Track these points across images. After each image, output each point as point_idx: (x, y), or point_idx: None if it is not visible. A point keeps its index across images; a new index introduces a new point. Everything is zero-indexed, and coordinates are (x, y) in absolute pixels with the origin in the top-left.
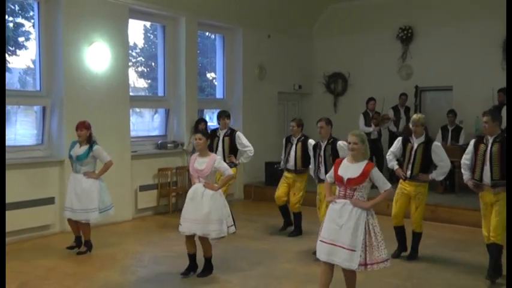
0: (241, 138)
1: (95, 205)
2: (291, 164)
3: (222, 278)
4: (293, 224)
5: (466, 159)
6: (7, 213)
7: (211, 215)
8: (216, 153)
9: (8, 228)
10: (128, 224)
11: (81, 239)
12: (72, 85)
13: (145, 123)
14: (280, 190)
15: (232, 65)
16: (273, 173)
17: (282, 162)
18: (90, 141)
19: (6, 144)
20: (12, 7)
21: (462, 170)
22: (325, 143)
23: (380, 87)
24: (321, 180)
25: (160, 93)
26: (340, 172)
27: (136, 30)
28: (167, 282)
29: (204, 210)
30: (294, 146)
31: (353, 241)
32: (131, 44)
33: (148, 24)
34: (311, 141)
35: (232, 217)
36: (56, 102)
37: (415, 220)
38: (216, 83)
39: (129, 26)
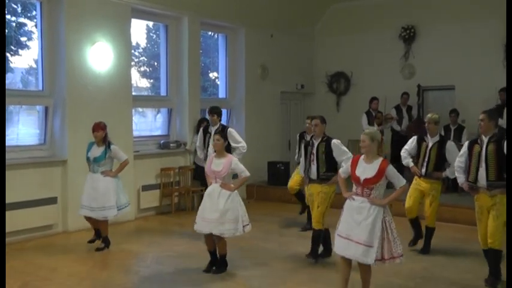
0: (234, 134)
1: (112, 202)
2: None
3: (225, 277)
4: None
5: (459, 161)
6: (9, 213)
7: (228, 214)
8: (207, 149)
9: (10, 228)
10: (131, 224)
11: (100, 232)
12: (75, 85)
13: (147, 123)
14: (295, 179)
15: (235, 64)
16: (275, 173)
17: (296, 156)
18: (106, 141)
19: (9, 144)
20: (15, 6)
21: (456, 173)
22: (319, 141)
23: (382, 86)
24: (312, 180)
25: (162, 92)
26: (357, 173)
27: (139, 30)
28: (169, 282)
29: (221, 209)
30: None
31: (370, 237)
32: (134, 43)
33: (150, 24)
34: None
35: None
36: (59, 102)
37: (429, 215)
38: (218, 83)
39: (131, 25)
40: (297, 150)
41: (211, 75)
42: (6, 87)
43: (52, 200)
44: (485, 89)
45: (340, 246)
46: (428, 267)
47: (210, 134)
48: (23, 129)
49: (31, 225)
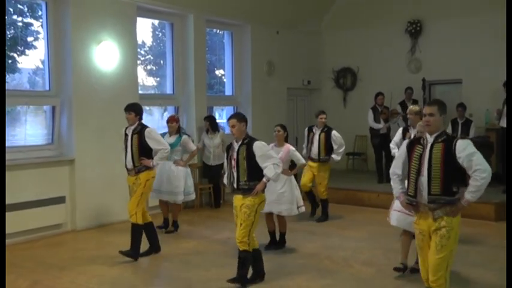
0: (154, 135)
1: (180, 188)
2: (314, 153)
3: (233, 273)
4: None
5: (395, 166)
6: (18, 212)
7: (285, 196)
8: (126, 154)
9: (19, 228)
10: None
11: (168, 221)
12: (81, 84)
13: (154, 121)
14: (306, 177)
15: (241, 61)
16: None
17: (304, 151)
18: (179, 131)
19: (17, 144)
20: (21, 7)
21: (392, 182)
22: (239, 143)
23: (389, 81)
24: (236, 190)
25: (169, 91)
26: None
27: (145, 29)
28: (176, 278)
29: (279, 192)
30: (317, 136)
31: None
32: (139, 42)
33: (156, 22)
34: (335, 132)
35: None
36: (65, 101)
37: None
38: (225, 80)
39: (137, 24)
40: (304, 145)
41: (217, 72)
42: (14, 88)
43: (60, 199)
44: (493, 82)
45: (400, 220)
46: None
47: (128, 135)
48: (31, 130)
49: (40, 224)
